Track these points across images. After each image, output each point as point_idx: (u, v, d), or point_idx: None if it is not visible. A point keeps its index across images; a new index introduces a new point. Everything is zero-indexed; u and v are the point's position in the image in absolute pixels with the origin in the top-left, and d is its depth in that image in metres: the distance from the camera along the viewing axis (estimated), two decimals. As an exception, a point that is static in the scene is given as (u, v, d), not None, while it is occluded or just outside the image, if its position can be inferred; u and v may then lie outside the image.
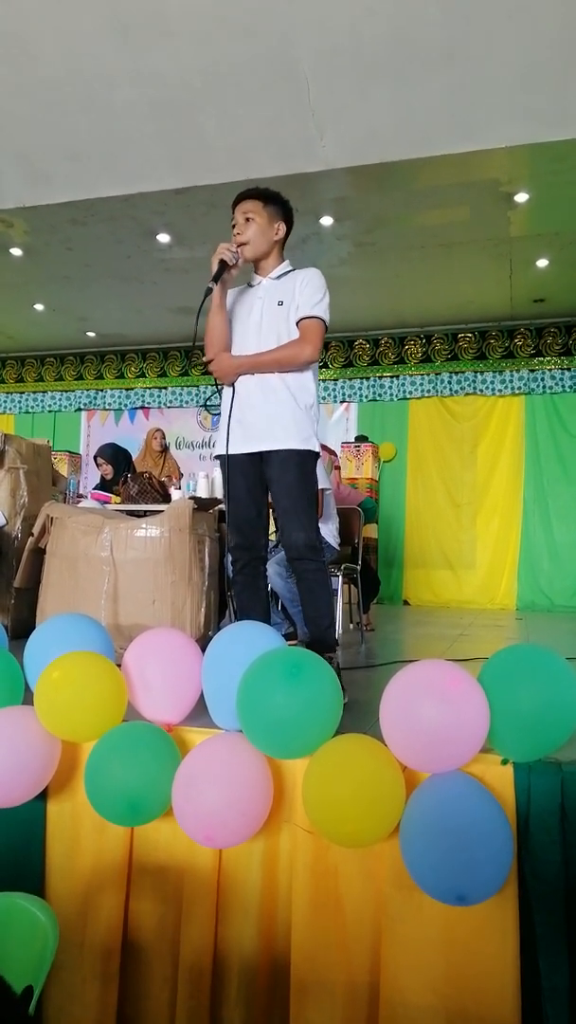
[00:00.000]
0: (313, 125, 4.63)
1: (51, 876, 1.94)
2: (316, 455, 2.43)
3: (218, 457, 2.47)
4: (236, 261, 2.38)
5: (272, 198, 2.46)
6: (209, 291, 2.36)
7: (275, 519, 3.57)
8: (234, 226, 2.45)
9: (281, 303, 2.41)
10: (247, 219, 2.42)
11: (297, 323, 2.39)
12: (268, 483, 2.43)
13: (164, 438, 6.46)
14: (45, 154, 5.14)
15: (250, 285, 2.52)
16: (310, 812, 1.59)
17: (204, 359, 2.51)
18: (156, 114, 4.70)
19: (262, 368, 2.37)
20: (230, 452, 2.41)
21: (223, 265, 2.35)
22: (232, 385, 2.40)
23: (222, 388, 2.48)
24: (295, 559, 2.40)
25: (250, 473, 2.41)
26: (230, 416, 2.40)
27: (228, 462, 2.42)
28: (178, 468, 6.53)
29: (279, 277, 2.46)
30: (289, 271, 2.49)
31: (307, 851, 1.71)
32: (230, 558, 3.60)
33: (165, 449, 6.45)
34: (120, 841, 1.88)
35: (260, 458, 2.40)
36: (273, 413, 2.36)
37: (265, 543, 2.49)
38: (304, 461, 2.38)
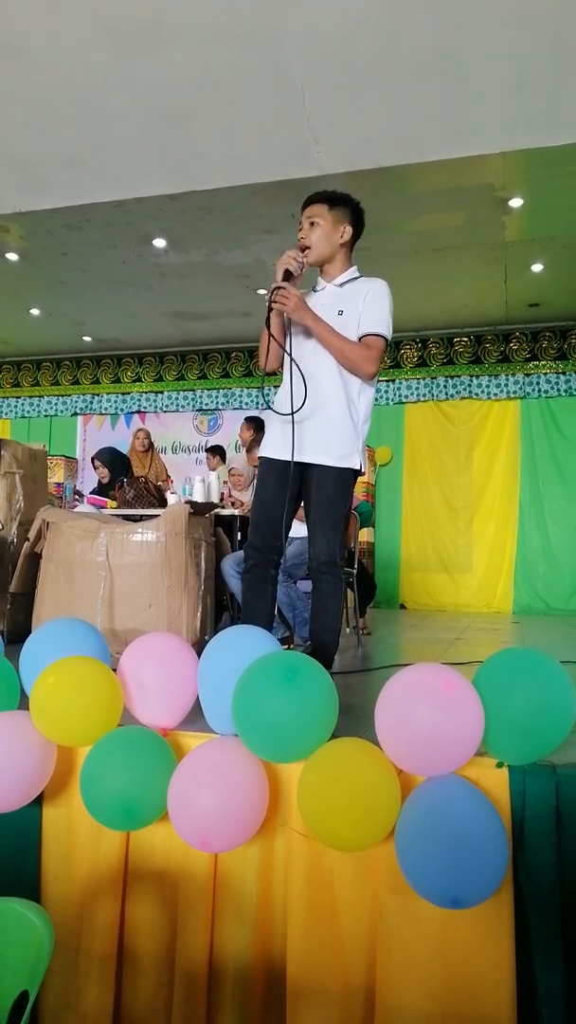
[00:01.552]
0: (308, 131, 4.64)
1: (47, 881, 1.94)
2: (357, 472, 2.42)
3: (261, 458, 2.45)
4: (301, 270, 2.34)
5: (339, 200, 2.43)
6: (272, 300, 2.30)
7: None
8: (300, 229, 2.42)
9: (342, 312, 2.37)
10: (312, 223, 2.39)
11: (361, 338, 2.36)
12: (305, 492, 2.42)
13: (148, 437, 6.46)
14: (40, 160, 5.15)
15: (314, 290, 2.47)
16: (306, 816, 1.59)
17: (259, 365, 2.45)
18: (150, 121, 4.71)
19: (327, 342, 2.32)
20: (272, 456, 2.39)
21: (288, 274, 2.30)
22: (291, 387, 2.31)
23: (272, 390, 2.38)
24: (315, 570, 2.40)
25: (281, 479, 2.37)
26: (292, 419, 2.29)
27: (268, 464, 2.41)
28: (165, 469, 6.54)
29: (343, 284, 2.43)
30: (354, 278, 2.45)
31: (303, 855, 1.71)
32: (227, 563, 3.61)
33: (149, 448, 6.46)
34: (116, 846, 1.87)
35: (300, 467, 2.37)
36: (322, 427, 2.34)
37: (280, 549, 2.46)
38: (344, 478, 2.38)
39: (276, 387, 2.48)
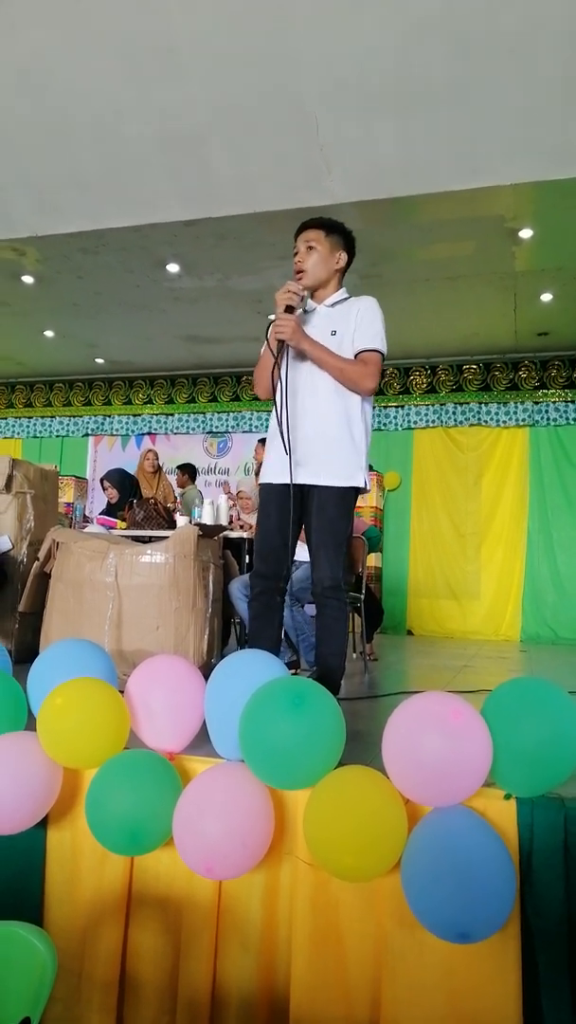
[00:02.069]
0: (321, 159, 4.72)
1: (50, 905, 1.92)
2: (358, 491, 2.43)
3: (261, 485, 2.45)
4: (301, 302, 2.37)
5: (334, 227, 2.48)
6: (280, 345, 2.32)
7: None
8: (295, 254, 2.45)
9: (335, 332, 2.40)
10: (309, 247, 2.43)
11: (357, 355, 2.39)
12: (305, 514, 2.41)
13: (157, 458, 6.49)
14: (56, 184, 5.24)
15: (305, 311, 2.50)
16: (311, 844, 1.58)
17: (255, 391, 2.48)
18: (165, 147, 4.80)
19: (326, 363, 2.34)
20: (272, 481, 2.39)
21: (289, 309, 2.33)
22: (285, 406, 2.32)
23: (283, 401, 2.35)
24: (319, 595, 2.39)
25: (281, 504, 2.36)
26: (288, 445, 2.29)
27: (269, 490, 2.41)
28: (173, 491, 6.57)
29: (333, 305, 2.47)
30: (344, 299, 2.49)
31: (308, 884, 1.70)
32: (235, 586, 3.61)
33: (158, 470, 6.49)
34: (120, 871, 1.86)
35: (300, 490, 2.37)
36: (323, 447, 2.34)
37: (287, 575, 2.46)
38: (346, 497, 2.39)
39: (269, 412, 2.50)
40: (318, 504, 2.37)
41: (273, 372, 2.35)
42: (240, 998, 1.73)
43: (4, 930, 1.35)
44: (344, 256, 2.49)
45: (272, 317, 2.34)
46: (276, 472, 2.38)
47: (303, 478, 2.35)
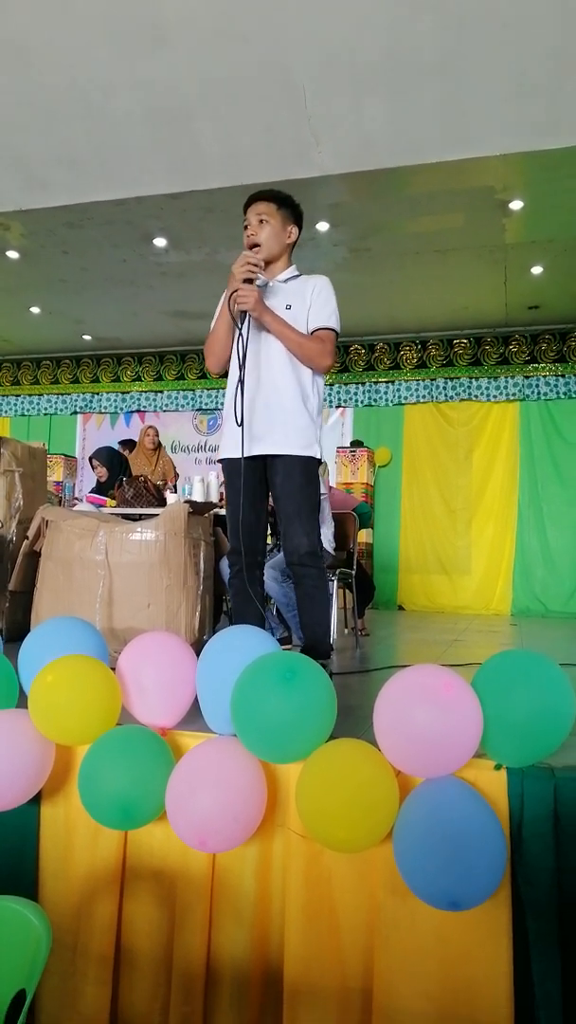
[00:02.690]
0: (309, 132, 4.65)
1: (44, 880, 1.93)
2: (318, 462, 2.43)
3: (221, 461, 2.46)
4: (258, 275, 2.35)
5: (286, 201, 2.46)
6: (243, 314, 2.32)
7: (272, 523, 3.57)
8: (246, 227, 2.43)
9: (290, 307, 2.40)
10: (261, 220, 2.41)
11: (312, 332, 2.40)
12: (271, 487, 2.42)
13: (157, 435, 6.45)
14: (42, 159, 5.15)
15: (256, 286, 2.49)
16: (304, 817, 1.59)
17: (207, 365, 2.49)
18: (152, 121, 4.72)
19: (285, 336, 2.34)
20: (231, 456, 2.38)
21: (248, 281, 2.31)
22: (240, 381, 2.32)
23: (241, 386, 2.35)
24: (296, 564, 2.39)
25: (250, 477, 2.38)
26: (241, 417, 2.30)
27: (229, 465, 2.41)
28: (173, 466, 6.52)
29: (287, 281, 2.46)
30: (296, 275, 2.49)
31: (301, 856, 1.71)
32: (226, 563, 3.60)
33: (158, 447, 6.45)
34: (114, 845, 1.87)
35: (263, 462, 2.39)
36: (280, 417, 2.35)
37: (263, 548, 2.48)
38: (308, 467, 2.38)
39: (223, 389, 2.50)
40: (284, 473, 2.36)
41: (236, 343, 2.34)
42: (234, 969, 1.75)
43: (-2, 905, 1.36)
44: (295, 231, 2.49)
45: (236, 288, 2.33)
46: (235, 446, 2.36)
47: (263, 449, 2.35)
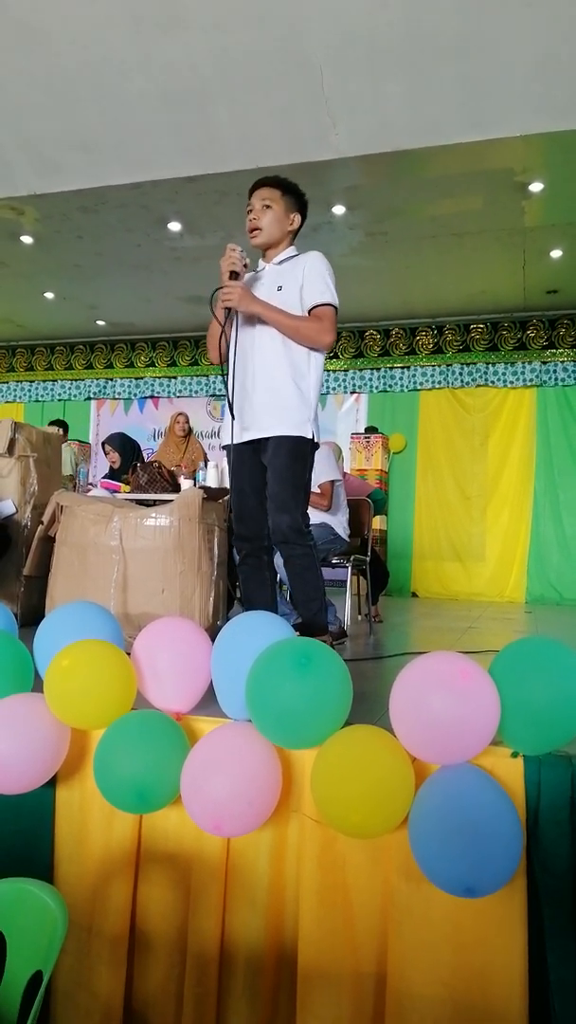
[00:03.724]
0: (326, 114, 4.59)
1: (60, 863, 1.95)
2: (309, 442, 2.42)
3: (224, 448, 2.49)
4: (244, 267, 2.38)
5: (290, 188, 2.46)
6: (228, 312, 2.35)
7: None
8: (249, 211, 2.43)
9: (281, 288, 2.40)
10: (265, 206, 2.41)
11: (310, 311, 2.39)
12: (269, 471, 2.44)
13: (188, 421, 6.39)
14: (56, 143, 5.13)
15: (255, 271, 2.52)
16: (319, 802, 1.59)
17: (209, 357, 2.55)
18: (168, 103, 4.68)
19: (279, 323, 2.35)
20: (228, 443, 2.43)
21: (233, 275, 2.34)
22: (232, 368, 2.37)
23: (227, 373, 2.43)
24: (281, 543, 2.40)
25: (249, 462, 2.43)
26: (231, 404, 2.39)
27: (230, 451, 2.45)
28: (203, 452, 6.46)
29: (281, 262, 2.46)
30: (293, 256, 2.48)
31: (315, 841, 1.71)
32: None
33: (189, 433, 6.40)
34: (129, 829, 1.88)
35: (259, 446, 2.42)
36: (271, 400, 2.37)
37: (267, 532, 2.48)
38: (296, 446, 2.38)
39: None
40: (272, 453, 2.39)
41: (220, 340, 2.38)
42: (248, 953, 1.75)
43: (16, 887, 1.37)
44: (298, 218, 2.48)
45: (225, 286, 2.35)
46: (236, 431, 2.43)
47: (256, 434, 2.39)
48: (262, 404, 2.38)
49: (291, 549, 2.39)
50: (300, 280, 2.41)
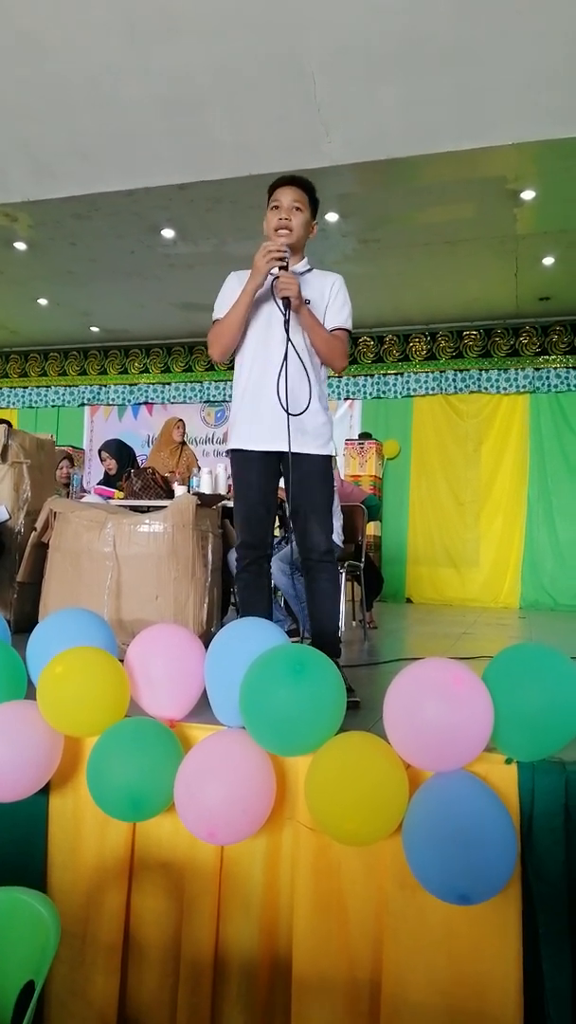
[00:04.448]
0: (319, 121, 4.61)
1: (53, 871, 1.94)
2: (331, 459, 2.45)
3: (232, 452, 2.42)
4: (287, 261, 2.30)
5: (314, 195, 2.43)
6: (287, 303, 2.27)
7: (282, 517, 3.56)
8: (275, 207, 2.36)
9: (308, 301, 2.36)
10: (296, 207, 2.36)
11: (331, 331, 2.38)
12: (287, 483, 2.37)
13: (185, 429, 6.35)
14: (51, 149, 5.13)
15: (271, 273, 2.43)
16: (313, 809, 1.59)
17: (212, 353, 2.43)
18: (163, 110, 4.69)
19: (314, 330, 2.32)
20: (250, 448, 2.36)
21: (283, 266, 2.27)
22: (286, 360, 2.26)
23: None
24: (314, 561, 2.38)
25: (263, 471, 2.37)
26: (287, 402, 2.25)
27: (242, 457, 2.38)
28: (196, 459, 6.44)
29: (302, 273, 2.42)
30: (310, 269, 2.46)
31: (309, 848, 1.71)
32: (235, 555, 3.59)
33: (184, 442, 6.37)
34: (122, 836, 1.87)
35: (277, 457, 2.36)
36: (309, 416, 2.30)
37: (271, 541, 2.48)
38: (327, 465, 2.39)
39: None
40: (305, 471, 2.33)
41: (261, 331, 2.34)
42: (243, 960, 1.75)
43: (7, 896, 1.36)
44: (315, 227, 2.46)
45: (275, 271, 2.26)
46: (254, 438, 2.34)
47: (281, 445, 2.29)
48: (306, 417, 2.29)
49: (324, 568, 2.38)
50: (327, 298, 2.39)
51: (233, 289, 2.39)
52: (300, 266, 2.44)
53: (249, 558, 2.41)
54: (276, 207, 2.37)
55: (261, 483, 2.37)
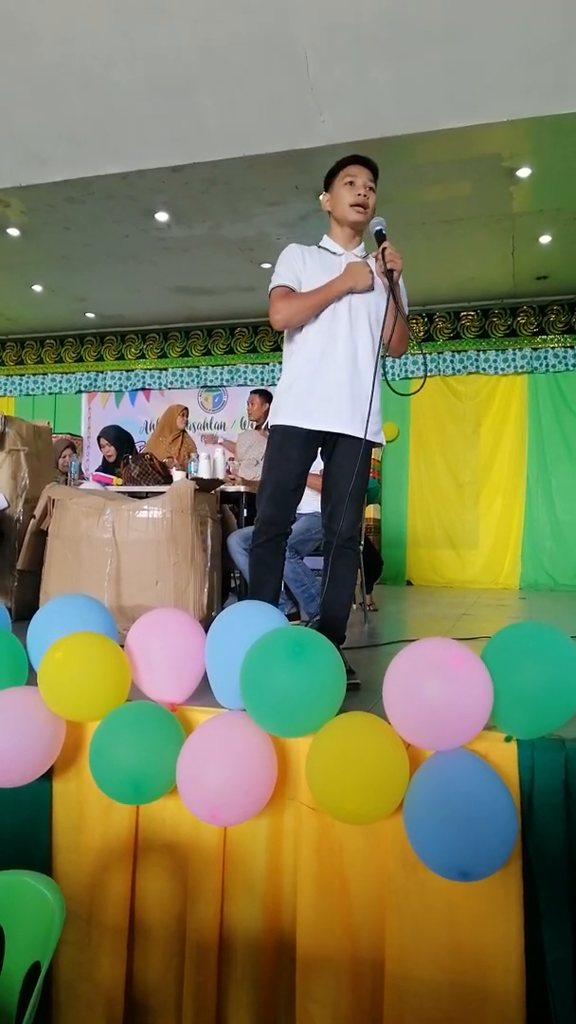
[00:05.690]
0: (312, 101, 4.56)
1: (57, 854, 1.95)
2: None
3: (278, 427, 2.35)
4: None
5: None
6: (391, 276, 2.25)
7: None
8: (350, 183, 2.33)
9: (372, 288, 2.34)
10: (371, 188, 2.35)
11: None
12: (328, 465, 2.37)
13: (187, 417, 6.31)
14: (41, 133, 5.08)
15: (332, 252, 2.41)
16: (314, 790, 1.60)
17: (281, 318, 2.31)
18: (153, 93, 4.63)
19: (401, 312, 2.29)
20: (300, 425, 2.30)
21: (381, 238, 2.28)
22: (384, 345, 2.25)
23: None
24: (339, 546, 2.35)
25: (306, 448, 2.33)
26: (373, 386, 2.24)
27: (291, 432, 2.32)
28: (195, 447, 6.41)
29: (363, 258, 2.40)
30: (367, 255, 2.42)
31: (311, 829, 1.72)
32: (234, 539, 3.59)
33: (184, 430, 6.34)
34: (126, 819, 1.89)
35: (323, 437, 2.34)
36: (363, 399, 2.29)
37: (292, 520, 2.46)
38: (370, 454, 2.38)
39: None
40: (350, 455, 2.30)
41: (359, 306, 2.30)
42: (247, 940, 1.77)
43: (12, 879, 1.37)
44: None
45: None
46: (307, 415, 2.29)
47: (337, 427, 2.27)
48: (353, 399, 2.28)
49: (344, 554, 2.36)
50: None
51: (297, 259, 2.36)
52: (359, 250, 2.42)
53: (268, 535, 2.36)
54: (351, 183, 2.34)
55: (301, 461, 2.34)
